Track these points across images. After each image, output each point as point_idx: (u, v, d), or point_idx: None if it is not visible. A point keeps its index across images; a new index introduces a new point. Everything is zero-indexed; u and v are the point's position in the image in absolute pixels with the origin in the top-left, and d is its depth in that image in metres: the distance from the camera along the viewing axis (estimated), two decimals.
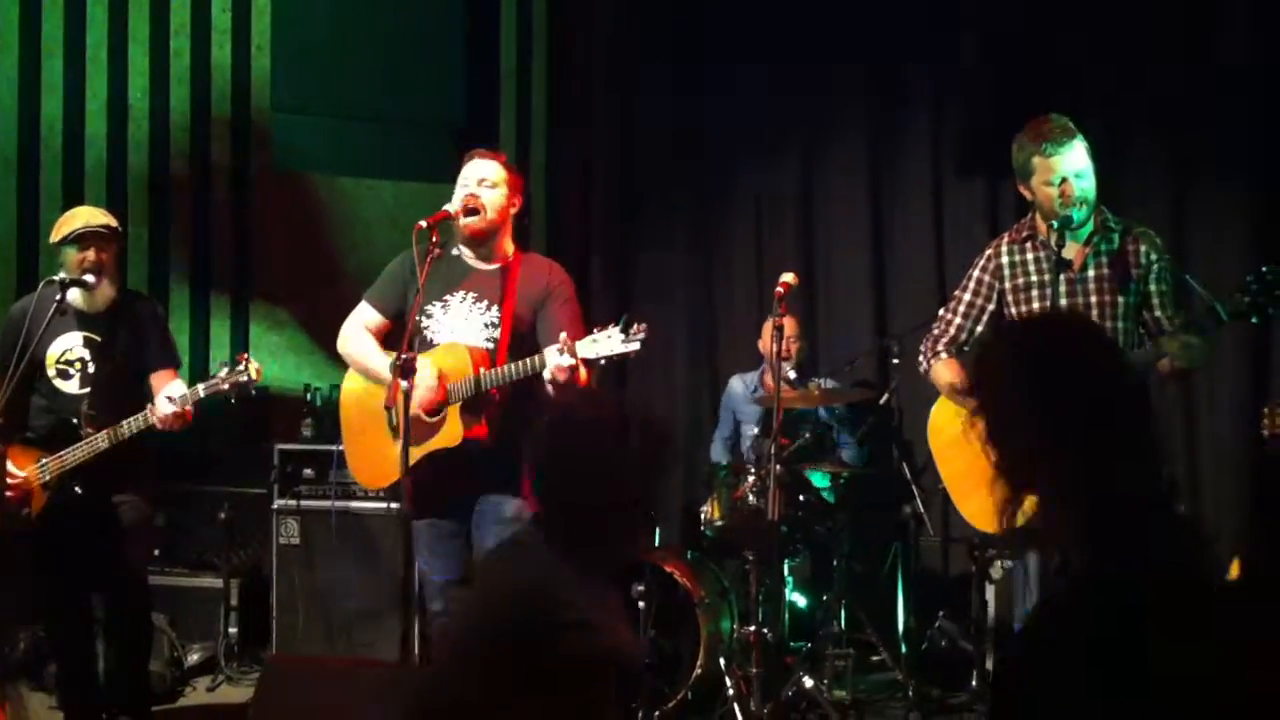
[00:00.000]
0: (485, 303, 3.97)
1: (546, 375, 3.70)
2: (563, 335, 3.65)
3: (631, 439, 2.45)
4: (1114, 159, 5.50)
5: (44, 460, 4.39)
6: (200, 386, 4.39)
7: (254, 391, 4.44)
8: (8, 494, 4.31)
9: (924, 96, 6.18)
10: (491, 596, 2.44)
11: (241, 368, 4.36)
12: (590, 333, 3.68)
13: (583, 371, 3.75)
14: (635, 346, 3.61)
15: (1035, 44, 5.85)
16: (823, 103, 6.41)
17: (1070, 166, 3.64)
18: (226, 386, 4.36)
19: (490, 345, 3.92)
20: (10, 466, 4.36)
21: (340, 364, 4.33)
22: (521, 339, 3.92)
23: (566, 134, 7.03)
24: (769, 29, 6.44)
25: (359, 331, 4.12)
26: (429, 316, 4.00)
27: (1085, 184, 3.66)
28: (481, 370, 3.83)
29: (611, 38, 6.92)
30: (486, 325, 3.95)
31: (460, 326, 3.96)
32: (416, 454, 3.85)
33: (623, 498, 2.44)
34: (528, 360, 3.77)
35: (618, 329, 3.61)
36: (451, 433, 3.85)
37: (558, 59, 7.08)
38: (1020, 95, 5.73)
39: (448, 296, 4.00)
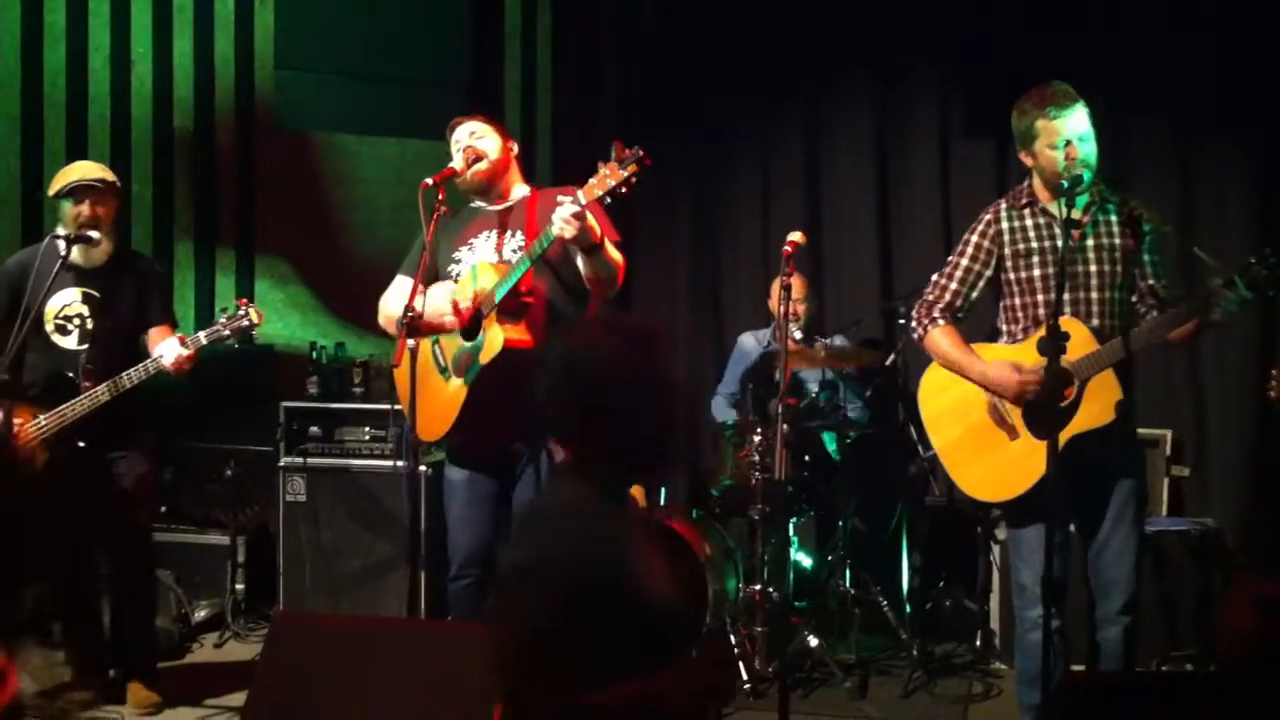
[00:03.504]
0: (510, 232, 3.98)
1: (557, 230, 3.59)
2: (561, 196, 3.62)
3: (652, 355, 2.26)
4: (1119, 128, 5.52)
5: (41, 416, 4.38)
6: (202, 334, 4.40)
7: (256, 335, 4.45)
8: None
9: (930, 57, 6.13)
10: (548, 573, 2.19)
11: (242, 312, 4.39)
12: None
13: (596, 227, 3.68)
14: (634, 167, 3.49)
15: (1042, 9, 5.80)
16: (829, 63, 6.36)
17: (1074, 129, 3.61)
18: (228, 332, 4.39)
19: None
20: (14, 421, 4.36)
21: (345, 320, 4.32)
22: (549, 264, 3.86)
23: (570, 92, 6.98)
24: None
25: (395, 302, 4.03)
26: (456, 262, 4.00)
27: (1088, 148, 3.63)
28: (498, 274, 3.79)
29: None
30: (514, 251, 3.93)
31: (488, 258, 3.96)
32: (464, 389, 3.85)
33: (653, 418, 2.26)
34: (540, 238, 3.70)
35: (610, 162, 3.52)
36: (492, 342, 3.76)
37: (562, 17, 7.02)
38: (1026, 59, 5.69)
39: (472, 240, 4.01)
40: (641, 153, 3.50)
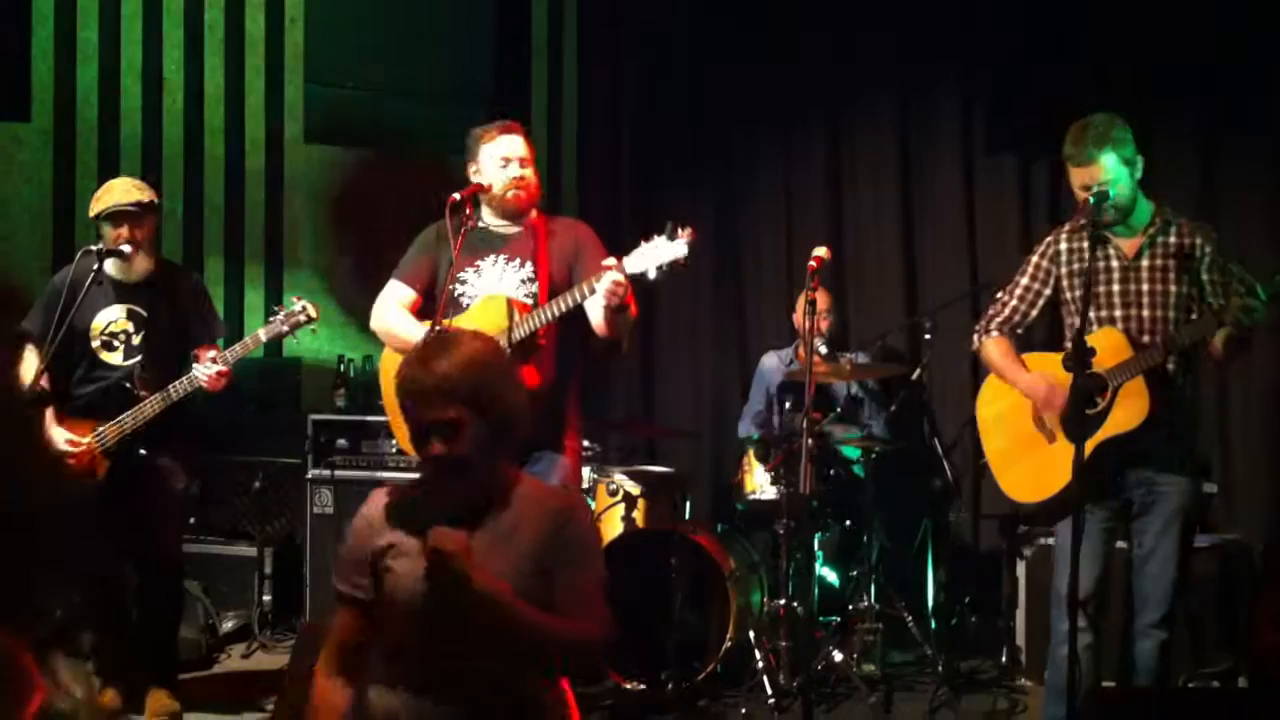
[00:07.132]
0: (518, 261, 3.98)
1: (599, 301, 3.66)
2: (608, 260, 3.67)
3: None
4: (1141, 138, 5.51)
5: (100, 428, 4.45)
6: (261, 331, 4.49)
7: (314, 330, 4.53)
8: (70, 461, 4.39)
9: (954, 71, 6.14)
10: None
11: (298, 308, 4.48)
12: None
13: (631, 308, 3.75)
14: (683, 250, 3.59)
15: (1066, 21, 5.80)
16: (852, 76, 6.38)
17: (1091, 179, 3.67)
18: (287, 328, 4.51)
19: (530, 300, 3.91)
20: (71, 435, 4.42)
21: (373, 334, 4.34)
22: (558, 293, 3.89)
23: (597, 107, 7.02)
24: (799, 1, 6.42)
25: (392, 307, 4.10)
26: (462, 283, 3.99)
27: (1120, 189, 3.67)
28: (520, 315, 3.82)
29: (641, 10, 6.90)
30: (523, 281, 3.95)
31: (496, 287, 3.96)
32: None
33: None
34: (572, 292, 3.76)
35: (662, 236, 3.60)
36: None
37: (588, 32, 7.06)
38: (1049, 72, 5.70)
39: (479, 261, 3.99)
40: (690, 238, 3.59)
